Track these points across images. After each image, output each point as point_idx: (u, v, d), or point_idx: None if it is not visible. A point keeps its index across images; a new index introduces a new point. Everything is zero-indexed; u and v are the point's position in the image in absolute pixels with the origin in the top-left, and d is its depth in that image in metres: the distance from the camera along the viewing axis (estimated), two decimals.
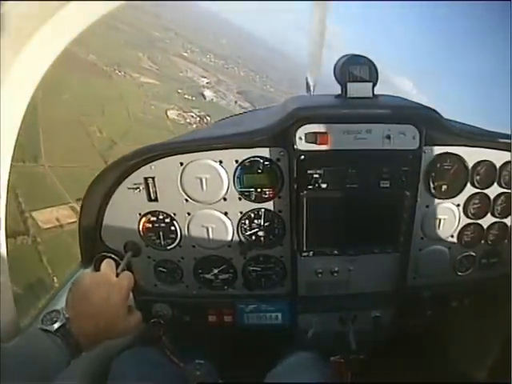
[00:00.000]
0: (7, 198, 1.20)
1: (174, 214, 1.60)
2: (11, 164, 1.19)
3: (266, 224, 1.62)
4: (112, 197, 1.57)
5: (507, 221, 1.75)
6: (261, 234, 1.64)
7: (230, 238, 1.63)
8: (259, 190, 1.56)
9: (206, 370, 1.66)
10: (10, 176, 1.21)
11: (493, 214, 1.71)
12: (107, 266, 1.42)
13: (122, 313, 1.27)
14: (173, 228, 1.63)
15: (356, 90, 1.50)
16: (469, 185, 1.63)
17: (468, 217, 1.69)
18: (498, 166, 1.63)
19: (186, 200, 1.57)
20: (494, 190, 1.67)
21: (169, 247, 1.66)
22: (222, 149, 1.51)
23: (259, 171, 1.54)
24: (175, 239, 1.65)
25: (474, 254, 1.77)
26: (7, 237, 1.26)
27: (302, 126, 1.44)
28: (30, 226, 25.84)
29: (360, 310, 1.75)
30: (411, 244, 1.65)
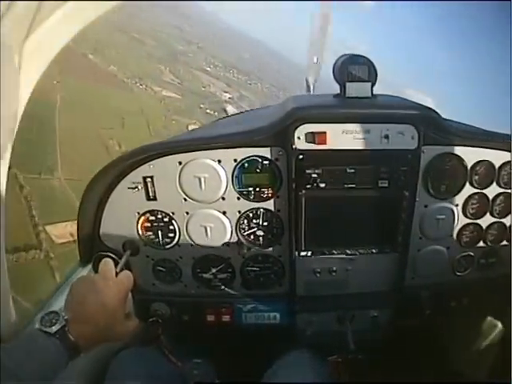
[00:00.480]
0: (9, 198, 1.20)
1: (173, 213, 1.60)
2: (10, 163, 1.19)
3: (264, 223, 1.62)
4: (110, 196, 1.57)
5: (506, 221, 1.75)
6: (259, 233, 1.64)
7: (228, 237, 1.63)
8: (258, 189, 1.56)
9: (203, 369, 1.67)
10: (8, 176, 1.20)
11: (492, 214, 1.71)
12: (106, 265, 1.42)
13: (120, 314, 1.27)
14: (171, 227, 1.63)
15: (355, 89, 1.50)
16: (468, 185, 1.63)
17: (467, 217, 1.69)
18: (497, 165, 1.63)
19: (185, 199, 1.57)
20: (492, 190, 1.66)
21: (167, 246, 1.66)
22: (220, 148, 1.51)
23: (258, 171, 1.54)
24: (174, 238, 1.65)
25: (472, 254, 1.77)
26: (7, 237, 1.26)
27: (300, 125, 1.44)
28: (43, 240, 25.07)
29: (358, 309, 1.75)
30: (410, 244, 1.65)
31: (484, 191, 1.66)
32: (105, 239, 1.64)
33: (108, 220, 1.61)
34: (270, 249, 1.67)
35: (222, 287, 1.75)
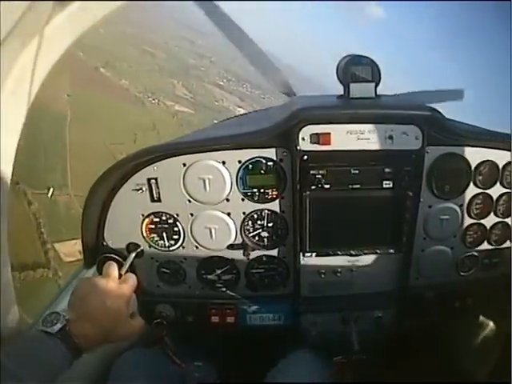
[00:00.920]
0: (12, 202, 1.19)
1: (177, 215, 1.60)
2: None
3: (269, 224, 1.62)
4: (114, 198, 1.57)
5: (510, 221, 1.75)
6: (264, 234, 1.64)
7: (232, 238, 1.63)
8: (262, 190, 1.56)
9: (204, 371, 1.66)
10: (13, 187, 1.20)
11: (495, 214, 1.71)
12: (110, 267, 1.42)
13: (124, 317, 1.27)
14: (176, 229, 1.63)
15: (358, 90, 1.51)
16: (471, 185, 1.63)
17: (471, 217, 1.69)
18: (500, 165, 1.63)
19: (189, 201, 1.57)
20: (496, 190, 1.67)
21: (172, 248, 1.66)
22: (224, 149, 1.51)
23: (262, 172, 1.54)
24: (178, 240, 1.65)
25: (476, 254, 1.77)
26: (8, 238, 1.25)
27: (304, 126, 1.44)
28: (52, 258, 24.11)
29: (362, 310, 1.75)
30: (414, 244, 1.65)
31: (488, 191, 1.66)
32: (109, 241, 1.64)
33: (112, 222, 1.61)
34: (275, 250, 1.67)
35: (227, 289, 1.74)
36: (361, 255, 1.66)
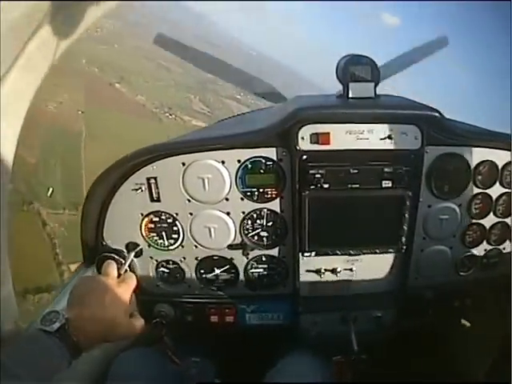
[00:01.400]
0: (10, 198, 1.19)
1: (177, 214, 1.60)
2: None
3: (268, 224, 1.62)
4: (114, 197, 1.57)
5: (509, 221, 1.75)
6: (263, 234, 1.64)
7: (232, 238, 1.63)
8: (261, 190, 1.56)
9: (203, 371, 1.67)
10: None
11: (495, 214, 1.71)
12: (109, 267, 1.42)
13: (123, 316, 1.27)
14: (175, 228, 1.63)
15: (358, 90, 1.51)
16: (471, 185, 1.63)
17: (470, 217, 1.69)
18: (500, 165, 1.63)
19: (189, 200, 1.57)
20: (496, 190, 1.66)
21: (171, 247, 1.66)
22: (224, 149, 1.51)
23: (261, 171, 1.54)
24: (177, 239, 1.65)
25: (476, 254, 1.77)
26: (9, 238, 1.25)
27: (304, 126, 1.44)
28: (67, 279, 23.49)
29: (362, 310, 1.75)
30: (413, 244, 1.65)
31: (487, 191, 1.66)
32: (108, 240, 1.64)
33: (111, 221, 1.61)
34: (274, 249, 1.67)
35: (226, 288, 1.75)
36: (360, 255, 1.65)
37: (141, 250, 1.66)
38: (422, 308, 1.78)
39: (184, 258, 1.69)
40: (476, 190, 1.64)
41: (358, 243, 1.63)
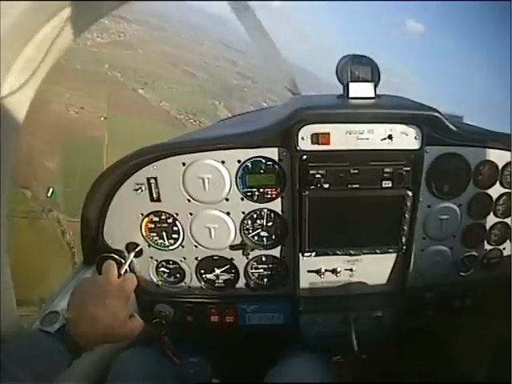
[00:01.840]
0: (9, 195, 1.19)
1: (177, 214, 1.60)
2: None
3: (268, 224, 1.62)
4: (114, 197, 1.57)
5: (509, 221, 1.75)
6: (263, 234, 1.64)
7: (232, 238, 1.63)
8: (261, 190, 1.56)
9: (201, 368, 1.66)
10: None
11: (495, 214, 1.71)
12: (109, 267, 1.42)
13: (123, 317, 1.27)
14: (175, 228, 1.63)
15: (358, 90, 1.50)
16: (471, 185, 1.63)
17: (470, 217, 1.69)
18: (500, 166, 1.63)
19: (189, 200, 1.57)
20: (496, 190, 1.66)
21: (171, 247, 1.66)
22: (224, 149, 1.51)
23: (261, 171, 1.54)
24: (177, 239, 1.65)
25: (476, 254, 1.77)
26: (8, 238, 1.25)
27: (304, 126, 1.44)
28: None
29: (362, 310, 1.75)
30: (413, 244, 1.65)
31: (487, 191, 1.66)
32: (108, 241, 1.64)
33: (112, 221, 1.61)
34: (274, 249, 1.67)
35: (226, 288, 1.75)
36: (360, 255, 1.65)
37: (141, 250, 1.66)
38: (422, 308, 1.79)
39: (184, 258, 1.69)
40: (476, 190, 1.64)
41: (358, 243, 1.63)
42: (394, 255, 1.68)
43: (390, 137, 1.46)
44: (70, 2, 1.04)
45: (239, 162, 1.52)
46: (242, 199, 1.57)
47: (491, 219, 1.72)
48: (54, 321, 1.12)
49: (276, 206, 1.59)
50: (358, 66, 1.50)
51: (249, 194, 1.56)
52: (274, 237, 1.65)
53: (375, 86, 1.51)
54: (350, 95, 1.50)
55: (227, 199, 1.57)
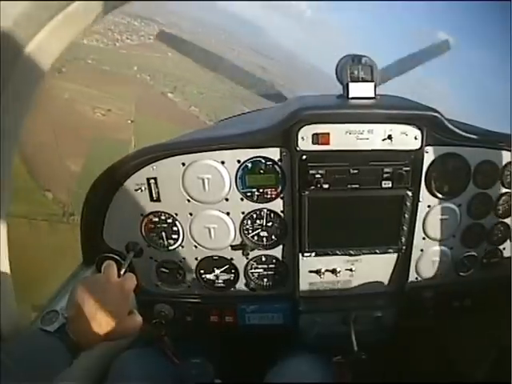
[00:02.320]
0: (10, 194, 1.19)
1: (176, 215, 1.60)
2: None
3: (268, 224, 1.62)
4: (114, 197, 1.57)
5: (509, 221, 1.74)
6: (263, 234, 1.64)
7: (232, 238, 1.63)
8: (261, 190, 1.56)
9: (203, 371, 1.66)
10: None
11: (495, 214, 1.71)
12: (109, 267, 1.42)
13: (122, 316, 1.26)
14: (175, 228, 1.63)
15: (358, 90, 1.50)
16: (471, 185, 1.63)
17: (470, 217, 1.69)
18: (500, 166, 1.63)
19: (188, 200, 1.57)
20: (496, 190, 1.66)
21: (171, 247, 1.66)
22: (223, 149, 1.51)
23: (261, 171, 1.54)
24: (177, 239, 1.65)
25: (475, 254, 1.77)
26: (8, 237, 1.25)
27: (303, 126, 1.44)
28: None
29: (362, 310, 1.75)
30: (413, 244, 1.65)
31: (487, 191, 1.66)
32: (108, 241, 1.64)
33: (111, 221, 1.61)
34: (274, 250, 1.67)
35: (226, 288, 1.75)
36: (360, 255, 1.65)
37: (141, 250, 1.66)
38: (422, 308, 1.78)
39: (184, 258, 1.69)
40: (476, 190, 1.64)
41: (358, 243, 1.63)
42: (394, 255, 1.68)
43: (389, 137, 1.46)
44: (70, 2, 1.04)
45: (239, 162, 1.52)
46: (242, 199, 1.57)
47: (491, 219, 1.72)
48: (53, 320, 1.12)
49: (276, 206, 1.59)
50: (358, 66, 1.50)
51: (248, 194, 1.56)
52: (273, 237, 1.65)
53: (375, 86, 1.51)
54: (350, 95, 1.50)
55: (227, 199, 1.57)
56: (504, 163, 1.63)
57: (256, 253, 1.68)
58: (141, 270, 1.69)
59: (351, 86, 1.50)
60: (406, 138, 1.47)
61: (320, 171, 1.49)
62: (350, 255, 1.65)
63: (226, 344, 1.96)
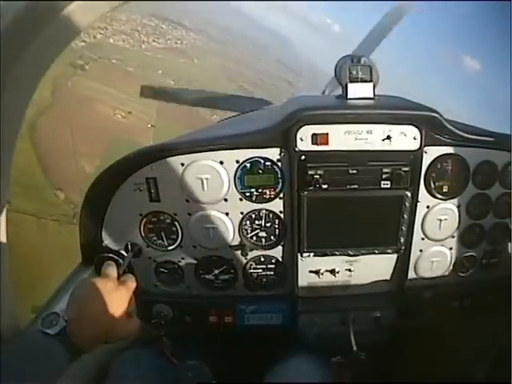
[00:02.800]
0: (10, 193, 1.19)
1: (175, 215, 1.60)
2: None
3: (266, 224, 1.62)
4: (113, 197, 1.57)
5: (509, 221, 1.74)
6: (262, 234, 1.64)
7: (230, 238, 1.63)
8: (260, 190, 1.56)
9: (202, 371, 1.66)
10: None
11: (494, 215, 1.71)
12: (108, 267, 1.42)
13: (122, 317, 1.27)
14: (174, 228, 1.63)
15: (357, 90, 1.50)
16: (470, 185, 1.62)
17: (469, 217, 1.68)
18: (499, 166, 1.62)
19: (187, 200, 1.57)
20: (495, 191, 1.66)
21: (170, 248, 1.66)
22: (222, 149, 1.51)
23: (260, 172, 1.53)
24: (176, 240, 1.65)
25: (475, 254, 1.77)
26: (8, 238, 1.25)
27: (302, 126, 1.44)
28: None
29: (361, 310, 1.75)
30: (412, 244, 1.65)
31: (486, 192, 1.65)
32: (107, 241, 1.64)
33: (110, 222, 1.61)
34: (273, 250, 1.67)
35: (225, 288, 1.75)
36: (359, 255, 1.65)
37: (140, 250, 1.66)
38: (421, 308, 1.78)
39: (183, 259, 1.69)
40: (475, 191, 1.64)
41: (357, 244, 1.63)
42: (393, 256, 1.68)
43: (388, 137, 1.46)
44: (70, 2, 1.04)
45: (238, 162, 1.52)
46: (241, 199, 1.57)
47: (490, 220, 1.72)
48: (54, 322, 1.12)
49: (275, 206, 1.59)
50: (357, 67, 1.50)
51: (247, 194, 1.56)
52: (272, 237, 1.65)
53: (374, 87, 1.51)
54: (349, 96, 1.50)
55: (226, 199, 1.57)
56: (503, 164, 1.63)
57: (255, 253, 1.67)
58: (140, 270, 1.69)
59: (350, 86, 1.50)
60: (405, 138, 1.47)
61: (319, 171, 1.49)
62: (349, 255, 1.65)
63: (225, 344, 1.96)
